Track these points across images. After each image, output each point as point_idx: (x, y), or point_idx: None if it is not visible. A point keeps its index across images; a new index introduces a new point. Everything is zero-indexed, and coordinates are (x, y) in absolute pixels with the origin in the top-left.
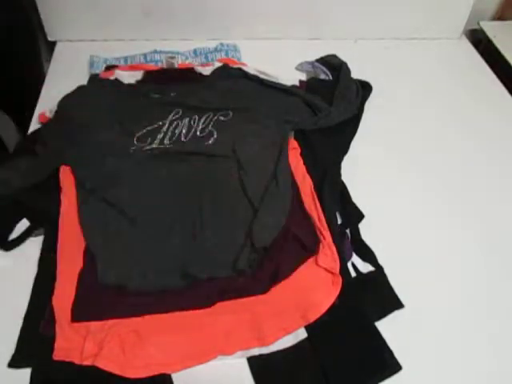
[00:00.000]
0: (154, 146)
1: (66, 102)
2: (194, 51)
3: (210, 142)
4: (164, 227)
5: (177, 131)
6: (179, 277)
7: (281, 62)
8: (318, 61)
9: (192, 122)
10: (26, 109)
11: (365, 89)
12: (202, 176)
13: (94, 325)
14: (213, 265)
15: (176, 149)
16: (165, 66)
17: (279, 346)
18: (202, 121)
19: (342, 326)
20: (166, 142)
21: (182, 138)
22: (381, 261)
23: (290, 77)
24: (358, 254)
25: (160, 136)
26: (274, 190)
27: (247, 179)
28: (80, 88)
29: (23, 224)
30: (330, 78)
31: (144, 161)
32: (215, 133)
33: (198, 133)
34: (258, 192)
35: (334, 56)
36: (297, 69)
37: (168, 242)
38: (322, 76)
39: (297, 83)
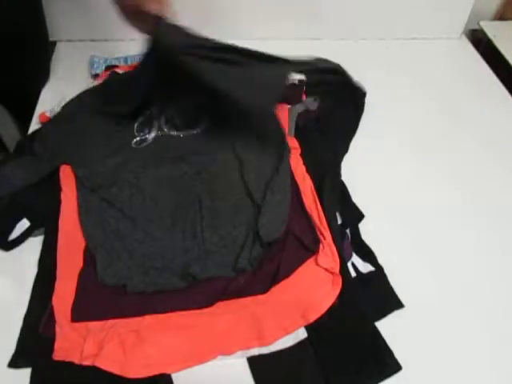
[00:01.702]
0: (153, 134)
1: (68, 104)
2: None
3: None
4: (164, 227)
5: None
6: (179, 277)
7: None
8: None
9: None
10: (26, 110)
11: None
12: (202, 175)
13: (94, 325)
14: (213, 265)
15: (176, 141)
16: None
17: (279, 345)
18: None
19: (342, 326)
20: (165, 128)
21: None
22: (381, 261)
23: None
24: (358, 254)
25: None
26: (276, 189)
27: (248, 178)
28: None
29: (23, 224)
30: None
31: (144, 159)
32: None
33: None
34: (259, 191)
35: (326, 61)
36: None
37: (168, 241)
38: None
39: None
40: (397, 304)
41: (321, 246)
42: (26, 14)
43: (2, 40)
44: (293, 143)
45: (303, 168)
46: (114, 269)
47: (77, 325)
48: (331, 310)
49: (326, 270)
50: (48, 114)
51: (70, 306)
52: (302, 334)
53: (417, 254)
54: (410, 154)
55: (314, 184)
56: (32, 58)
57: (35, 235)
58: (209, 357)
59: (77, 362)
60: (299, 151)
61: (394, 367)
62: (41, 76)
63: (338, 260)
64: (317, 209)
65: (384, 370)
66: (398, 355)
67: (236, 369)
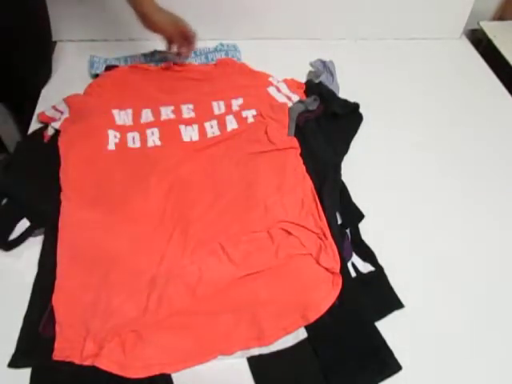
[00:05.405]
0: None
1: None
2: (194, 51)
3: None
4: None
5: None
6: None
7: (281, 62)
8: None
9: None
10: (26, 110)
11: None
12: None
13: (94, 325)
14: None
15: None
16: (165, 66)
17: (279, 345)
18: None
19: (342, 325)
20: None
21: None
22: (381, 261)
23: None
24: (357, 254)
25: None
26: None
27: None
28: None
29: (23, 224)
30: (332, 81)
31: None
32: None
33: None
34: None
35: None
36: (310, 64)
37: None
38: (323, 77)
39: None
40: (397, 304)
41: (321, 245)
42: (28, 12)
43: (2, 39)
44: (293, 143)
45: (303, 168)
46: None
47: (77, 325)
48: (331, 310)
49: (327, 269)
50: (47, 114)
51: (69, 306)
52: (301, 334)
53: (417, 254)
54: (410, 154)
55: (314, 184)
56: (34, 56)
57: (35, 235)
58: (209, 357)
59: (77, 362)
60: (299, 151)
61: (394, 367)
62: (42, 75)
63: (338, 260)
64: (317, 209)
65: (384, 370)
66: (398, 355)
67: (236, 369)
